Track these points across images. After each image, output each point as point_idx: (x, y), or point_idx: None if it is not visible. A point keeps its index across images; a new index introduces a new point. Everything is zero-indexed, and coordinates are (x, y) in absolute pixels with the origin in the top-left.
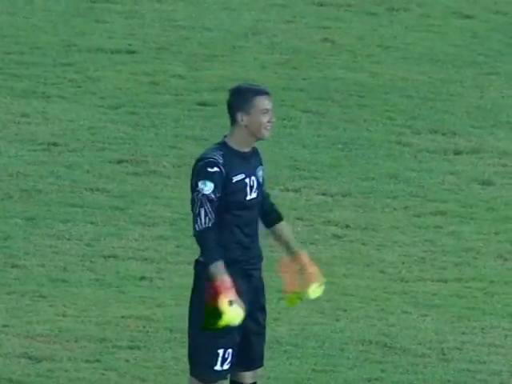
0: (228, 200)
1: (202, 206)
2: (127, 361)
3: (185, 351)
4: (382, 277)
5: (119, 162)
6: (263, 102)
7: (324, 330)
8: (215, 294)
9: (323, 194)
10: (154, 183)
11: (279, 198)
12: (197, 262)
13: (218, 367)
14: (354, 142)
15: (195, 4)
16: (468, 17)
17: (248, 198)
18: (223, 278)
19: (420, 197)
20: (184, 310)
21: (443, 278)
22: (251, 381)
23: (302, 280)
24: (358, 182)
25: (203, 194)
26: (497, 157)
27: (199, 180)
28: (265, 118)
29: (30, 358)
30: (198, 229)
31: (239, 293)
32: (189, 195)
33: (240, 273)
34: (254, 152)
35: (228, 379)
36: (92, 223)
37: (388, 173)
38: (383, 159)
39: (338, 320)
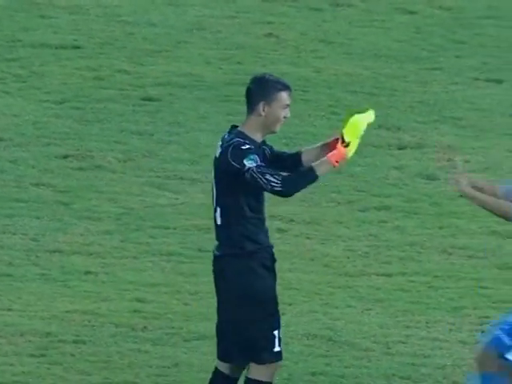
0: (248, 188)
1: (263, 174)
2: (72, 355)
3: (129, 346)
4: (326, 271)
5: (64, 156)
6: (286, 98)
7: None
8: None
9: None
10: (99, 178)
11: None
12: (229, 255)
13: (277, 348)
14: (298, 137)
15: None
16: (411, 12)
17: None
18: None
19: (364, 191)
20: (129, 305)
21: (387, 272)
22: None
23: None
24: None
25: (255, 167)
26: (440, 152)
27: (242, 161)
28: (283, 113)
29: None
30: (282, 189)
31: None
32: (133, 190)
33: (270, 259)
34: (262, 142)
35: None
36: (37, 218)
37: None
38: None
39: (282, 314)
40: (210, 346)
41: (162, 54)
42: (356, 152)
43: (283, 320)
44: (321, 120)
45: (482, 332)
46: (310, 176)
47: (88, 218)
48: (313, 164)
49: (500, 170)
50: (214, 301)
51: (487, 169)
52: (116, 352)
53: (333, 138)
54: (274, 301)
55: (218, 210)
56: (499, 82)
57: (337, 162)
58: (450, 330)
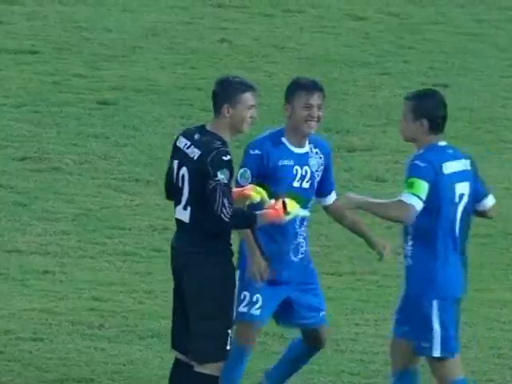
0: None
1: (224, 195)
2: (30, 352)
3: (86, 343)
4: None
5: (22, 159)
6: (250, 98)
7: None
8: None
9: None
10: (57, 180)
11: None
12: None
13: (228, 346)
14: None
15: (96, 6)
16: (360, 18)
17: None
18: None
19: None
20: (86, 304)
21: (338, 271)
22: None
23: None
24: None
25: (223, 184)
26: (389, 154)
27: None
28: (249, 113)
29: None
30: (227, 220)
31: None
32: (90, 191)
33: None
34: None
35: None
36: None
37: None
38: None
39: None
40: (165, 344)
41: (118, 59)
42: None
43: None
44: (273, 123)
45: None
46: (251, 221)
47: (46, 219)
48: (257, 212)
49: None
50: (168, 299)
51: None
52: (73, 349)
53: (279, 201)
54: (233, 300)
55: (189, 208)
56: (445, 86)
57: (271, 221)
58: None
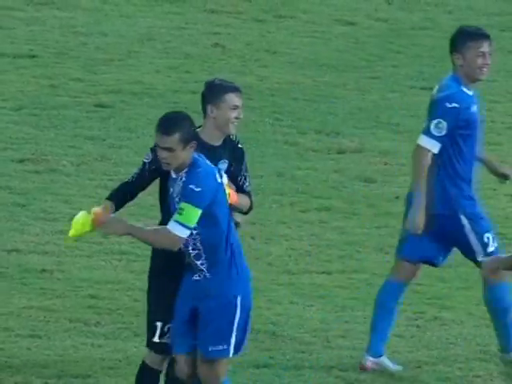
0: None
1: (138, 168)
2: (29, 349)
3: (83, 340)
4: (269, 269)
5: (21, 160)
6: (233, 99)
7: None
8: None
9: None
10: (54, 181)
11: None
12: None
13: (155, 339)
14: (243, 142)
15: (93, 11)
16: (350, 23)
17: None
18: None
19: (306, 193)
20: (83, 301)
21: (328, 270)
22: None
23: None
24: None
25: (143, 160)
26: (378, 156)
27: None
28: (233, 114)
29: None
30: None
31: None
32: (87, 192)
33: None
34: (227, 146)
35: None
36: None
37: (275, 171)
38: (271, 158)
39: None
40: None
41: (114, 63)
42: (298, 157)
43: None
44: (264, 126)
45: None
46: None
47: (44, 219)
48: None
49: None
50: None
51: None
52: (70, 346)
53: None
54: (154, 294)
55: None
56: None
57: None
58: None
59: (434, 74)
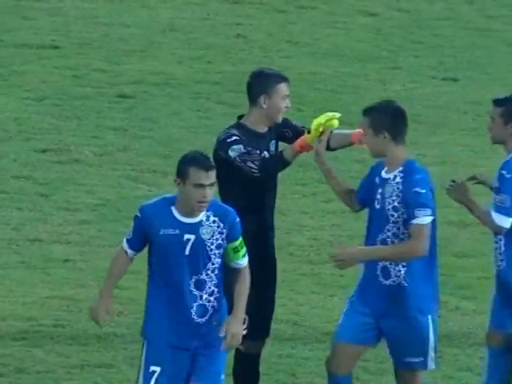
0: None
1: (245, 161)
2: (52, 338)
3: (106, 329)
4: (291, 259)
5: (44, 151)
6: (284, 89)
7: None
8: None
9: None
10: (77, 171)
11: None
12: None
13: None
14: None
15: (115, 2)
16: (372, 14)
17: None
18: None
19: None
20: None
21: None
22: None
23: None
24: None
25: (238, 155)
26: None
27: (226, 151)
28: (284, 103)
29: None
30: (258, 174)
31: None
32: (110, 182)
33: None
34: (271, 129)
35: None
36: (18, 209)
37: (297, 161)
38: None
39: None
40: None
41: (137, 54)
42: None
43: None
44: (286, 116)
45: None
46: (280, 160)
47: (66, 209)
48: (282, 149)
49: (455, 164)
50: None
51: (443, 162)
52: (93, 335)
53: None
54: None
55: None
56: (455, 80)
57: (300, 147)
58: None
59: (455, 64)
